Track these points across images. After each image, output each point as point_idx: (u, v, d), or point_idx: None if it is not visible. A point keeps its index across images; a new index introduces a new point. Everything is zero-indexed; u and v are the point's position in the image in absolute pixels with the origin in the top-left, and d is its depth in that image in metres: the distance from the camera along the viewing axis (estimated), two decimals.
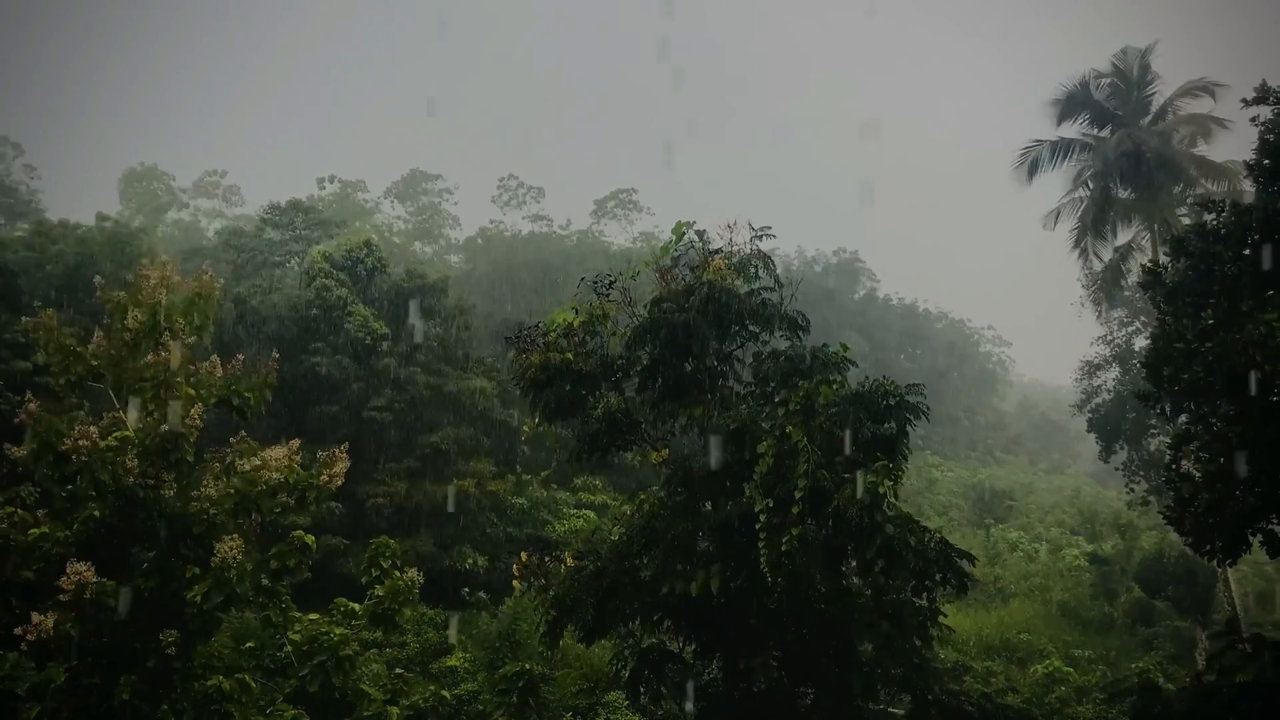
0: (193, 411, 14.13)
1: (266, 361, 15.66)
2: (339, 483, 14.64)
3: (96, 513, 13.48)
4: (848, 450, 14.62)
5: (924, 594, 14.61)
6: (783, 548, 13.40)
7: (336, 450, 14.74)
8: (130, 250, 39.75)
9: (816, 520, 14.21)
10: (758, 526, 13.73)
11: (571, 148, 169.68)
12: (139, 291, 14.68)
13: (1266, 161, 16.65)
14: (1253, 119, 16.94)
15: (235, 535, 13.52)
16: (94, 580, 12.89)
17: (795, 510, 13.49)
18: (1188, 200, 35.60)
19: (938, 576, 14.17)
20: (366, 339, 38.20)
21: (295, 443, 14.61)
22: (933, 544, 14.19)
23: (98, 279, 15.58)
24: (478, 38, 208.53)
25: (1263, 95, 16.89)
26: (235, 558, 13.34)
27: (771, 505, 13.73)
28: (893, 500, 13.80)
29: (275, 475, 14.01)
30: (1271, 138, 16.64)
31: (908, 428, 14.86)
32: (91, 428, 13.43)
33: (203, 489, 13.99)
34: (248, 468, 14.03)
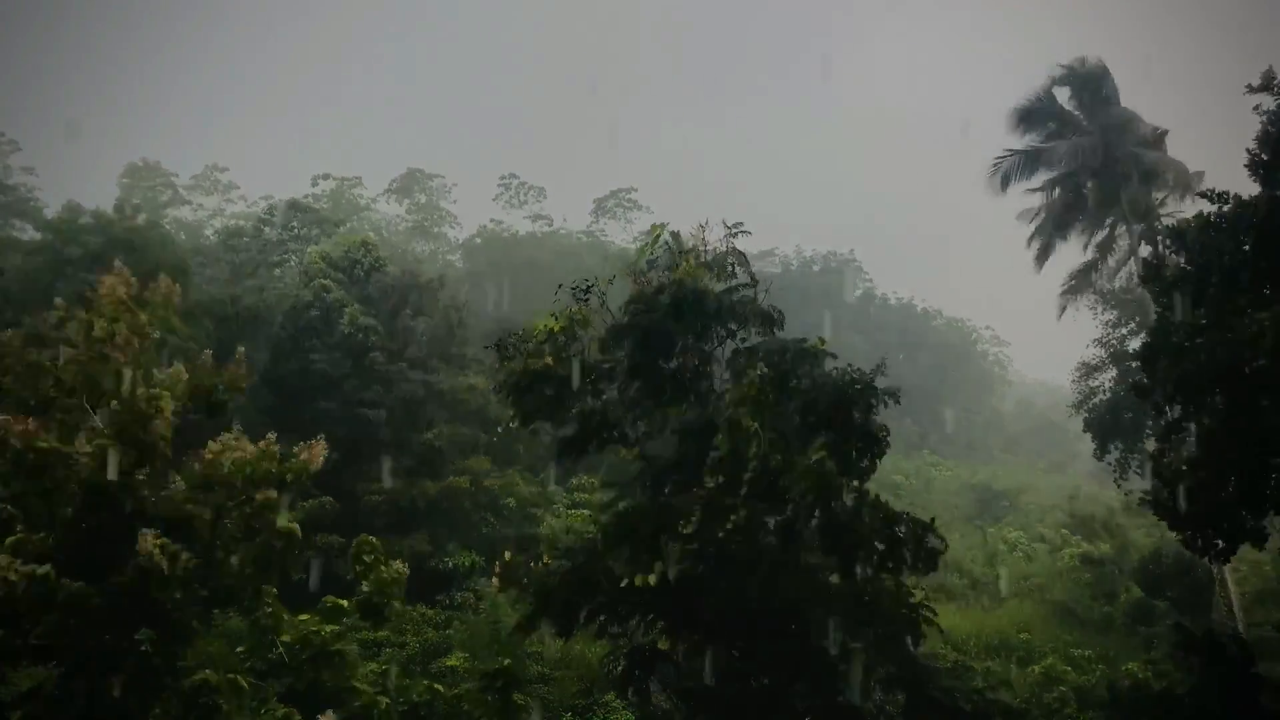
0: (163, 402, 14.18)
1: (252, 360, 15.74)
2: (317, 464, 14.73)
3: (69, 511, 13.47)
4: (809, 436, 14.69)
5: (891, 572, 14.61)
6: (728, 524, 13.49)
7: (313, 443, 14.81)
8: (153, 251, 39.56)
9: (769, 503, 14.28)
10: (700, 493, 13.83)
11: (573, 143, 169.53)
12: (101, 305, 14.79)
13: (1266, 156, 16.53)
14: (1255, 107, 16.79)
15: (150, 530, 13.28)
16: (20, 567, 12.77)
17: (744, 490, 13.59)
18: (1146, 201, 36.36)
19: (906, 555, 14.17)
20: (357, 335, 38.21)
21: (271, 437, 14.68)
22: (901, 525, 14.21)
23: (58, 300, 15.74)
24: (484, 37, 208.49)
25: (1267, 83, 16.70)
26: (153, 547, 13.16)
27: (722, 482, 13.85)
28: (838, 479, 13.82)
29: (234, 457, 13.98)
30: (1273, 130, 16.51)
31: (874, 414, 14.91)
32: (29, 421, 13.47)
33: (173, 485, 13.98)
34: (197, 466, 14.04)
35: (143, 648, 13.53)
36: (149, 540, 13.21)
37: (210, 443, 14.41)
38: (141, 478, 14.16)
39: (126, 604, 13.46)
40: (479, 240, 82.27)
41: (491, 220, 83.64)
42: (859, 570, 14.56)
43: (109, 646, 13.57)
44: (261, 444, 14.51)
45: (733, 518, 13.51)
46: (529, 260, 71.02)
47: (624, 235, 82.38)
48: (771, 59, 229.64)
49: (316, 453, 14.85)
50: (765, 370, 14.76)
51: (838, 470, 13.81)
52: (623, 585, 14.65)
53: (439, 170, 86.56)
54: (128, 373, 14.60)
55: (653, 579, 14.24)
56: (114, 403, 14.49)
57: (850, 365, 15.49)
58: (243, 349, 16.75)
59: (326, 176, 79.17)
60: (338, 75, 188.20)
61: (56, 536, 13.62)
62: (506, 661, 22.49)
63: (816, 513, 13.98)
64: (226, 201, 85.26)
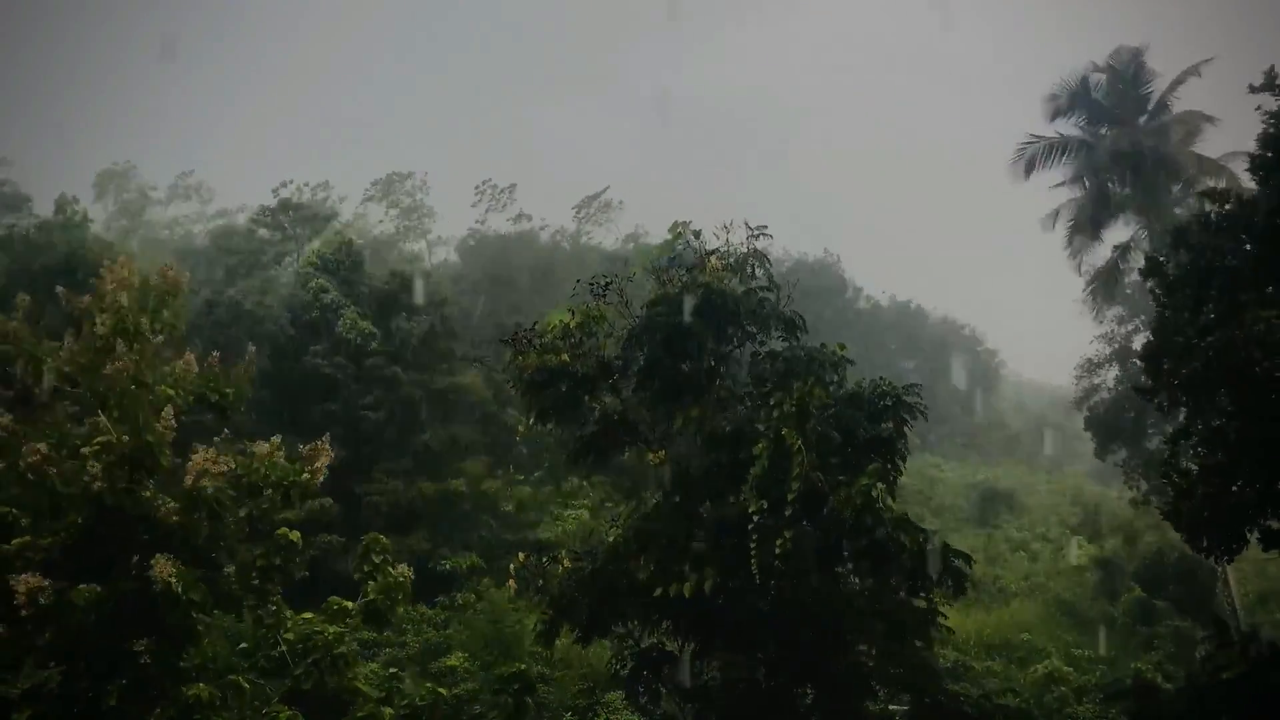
0: (164, 412, 13.95)
1: (247, 359, 15.53)
2: (321, 476, 14.53)
3: (79, 519, 13.35)
4: (845, 451, 14.55)
5: (920, 594, 14.52)
6: (776, 551, 13.32)
7: (318, 444, 14.58)
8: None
9: (811, 522, 14.14)
10: (750, 528, 13.62)
11: (562, 141, 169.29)
12: (103, 295, 14.47)
13: (1269, 154, 16.44)
14: (1257, 108, 16.69)
15: (165, 555, 13.15)
16: (43, 585, 12.63)
17: (789, 513, 13.43)
18: (1186, 199, 35.71)
19: (934, 576, 14.10)
20: (356, 339, 38.13)
21: (276, 439, 14.50)
22: (930, 546, 14.11)
23: (60, 289, 15.43)
24: (475, 35, 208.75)
25: (1269, 82, 16.58)
26: (169, 575, 12.98)
27: (765, 507, 13.65)
28: (887, 502, 13.72)
29: (216, 474, 13.79)
30: (1274, 130, 16.44)
31: (905, 428, 14.81)
32: (40, 444, 13.24)
33: (162, 500, 13.78)
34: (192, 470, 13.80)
35: (143, 660, 13.36)
36: (165, 566, 12.99)
37: (190, 461, 14.07)
38: (146, 493, 13.95)
39: (130, 610, 13.35)
40: (471, 242, 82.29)
41: (476, 223, 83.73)
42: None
43: (109, 650, 13.45)
44: (267, 446, 14.27)
45: (779, 543, 13.38)
46: (523, 261, 71.08)
47: (610, 238, 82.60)
48: (752, 54, 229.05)
49: (321, 461, 14.56)
50: (810, 381, 14.57)
51: (889, 495, 13.72)
52: (656, 595, 14.47)
53: (438, 173, 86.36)
54: (127, 377, 14.32)
55: (687, 589, 14.11)
56: (112, 404, 14.23)
57: (881, 378, 15.42)
58: (253, 348, 16.53)
59: (288, 183, 77.13)
60: (326, 87, 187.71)
61: (60, 541, 13.49)
62: (522, 666, 22.35)
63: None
64: (202, 204, 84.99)
